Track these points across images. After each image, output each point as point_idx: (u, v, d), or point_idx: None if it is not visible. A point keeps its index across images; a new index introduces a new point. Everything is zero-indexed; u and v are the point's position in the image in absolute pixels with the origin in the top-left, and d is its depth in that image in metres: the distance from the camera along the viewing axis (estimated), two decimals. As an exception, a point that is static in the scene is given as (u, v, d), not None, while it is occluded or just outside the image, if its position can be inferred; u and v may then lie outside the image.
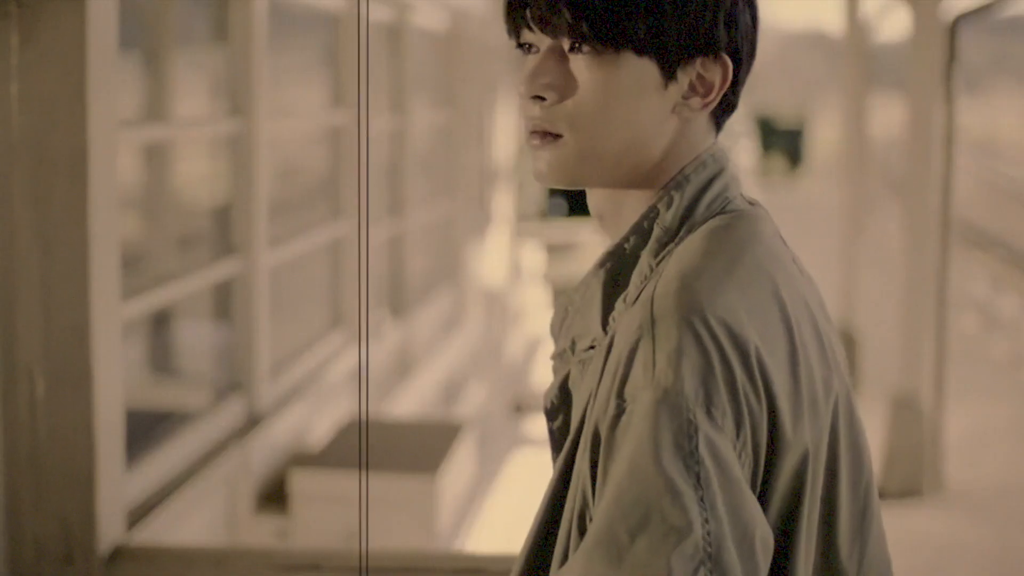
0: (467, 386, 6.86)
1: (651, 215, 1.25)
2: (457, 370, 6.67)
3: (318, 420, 4.23)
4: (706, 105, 1.23)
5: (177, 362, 3.99)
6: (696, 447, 1.07)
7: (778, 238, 1.27)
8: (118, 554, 2.47)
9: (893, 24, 8.83)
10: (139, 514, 2.84)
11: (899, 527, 6.43)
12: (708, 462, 1.07)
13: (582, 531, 1.15)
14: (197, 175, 4.10)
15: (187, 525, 3.13)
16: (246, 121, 3.69)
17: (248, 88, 3.68)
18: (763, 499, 1.12)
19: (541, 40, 1.23)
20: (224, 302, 3.81)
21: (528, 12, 1.22)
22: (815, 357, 1.18)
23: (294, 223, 4.50)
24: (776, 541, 1.12)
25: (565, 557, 1.17)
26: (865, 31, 9.38)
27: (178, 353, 3.95)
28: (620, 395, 1.11)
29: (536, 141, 1.24)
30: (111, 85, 2.42)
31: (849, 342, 9.19)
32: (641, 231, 1.25)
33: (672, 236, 1.23)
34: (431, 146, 6.62)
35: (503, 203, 8.57)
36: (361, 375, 4.26)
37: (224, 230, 3.78)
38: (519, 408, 7.99)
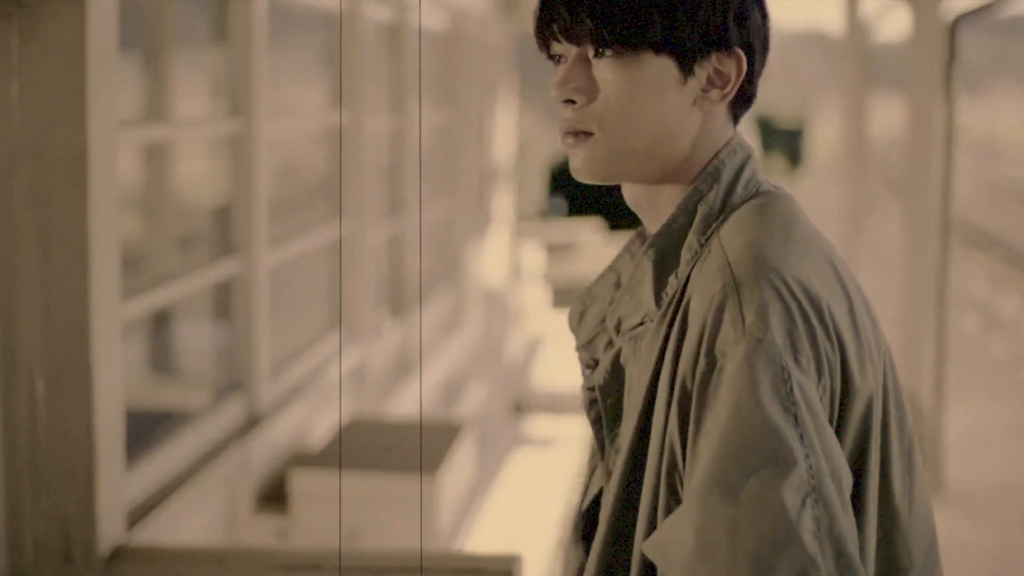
0: (467, 386, 6.85)
1: (695, 197, 1.35)
2: (457, 370, 6.67)
3: (318, 420, 4.23)
4: (724, 97, 1.34)
5: (177, 362, 3.99)
6: (791, 390, 1.17)
7: (809, 221, 1.37)
8: (118, 554, 2.47)
9: (893, 24, 8.84)
10: (139, 514, 2.84)
11: (899, 527, 6.42)
12: (802, 404, 1.17)
13: (671, 486, 1.24)
14: (197, 175, 4.10)
15: (187, 525, 3.13)
16: (246, 121, 3.69)
17: (248, 88, 3.68)
18: (840, 439, 1.23)
19: (568, 50, 1.35)
20: (224, 302, 3.81)
21: (555, 25, 1.34)
22: (866, 319, 1.30)
23: (294, 223, 4.50)
24: (853, 469, 1.24)
25: (653, 513, 1.26)
26: (865, 31, 9.38)
27: (178, 353, 3.95)
28: (710, 352, 1.21)
29: (571, 140, 1.35)
30: (111, 85, 2.42)
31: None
32: (687, 212, 1.35)
33: (716, 215, 1.34)
34: (431, 146, 6.62)
35: (503, 203, 8.57)
36: (342, 379, 4.26)
37: (224, 230, 3.78)
38: (519, 408, 7.99)
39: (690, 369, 1.22)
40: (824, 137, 33.89)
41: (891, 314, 7.41)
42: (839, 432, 1.23)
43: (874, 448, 1.27)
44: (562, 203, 18.16)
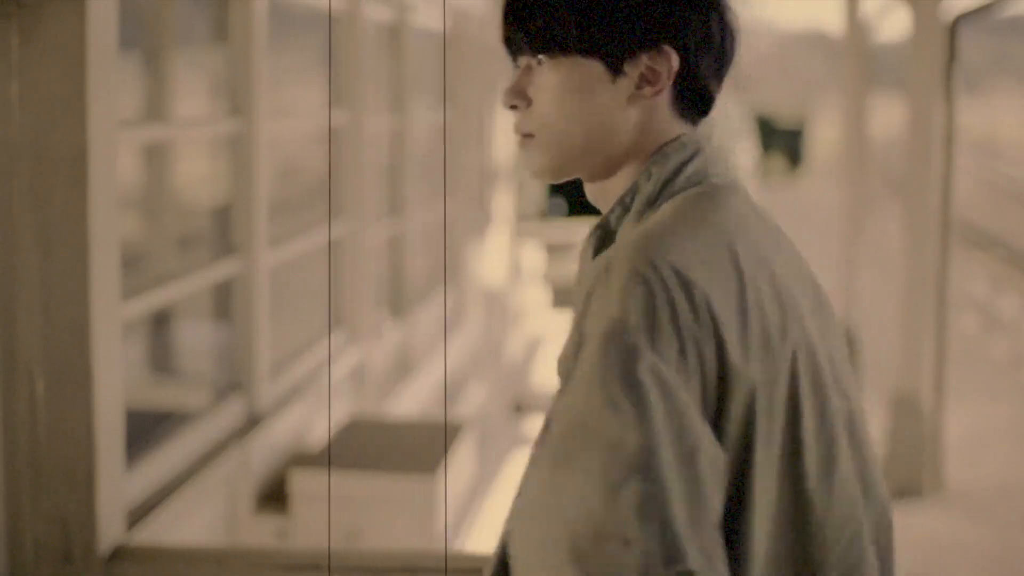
0: (467, 386, 6.85)
1: (633, 189, 1.41)
2: (457, 370, 6.67)
3: (318, 420, 4.23)
4: (656, 94, 1.39)
5: (177, 362, 3.99)
6: (638, 371, 1.21)
7: (753, 213, 1.40)
8: (118, 554, 2.47)
9: (893, 24, 8.84)
10: (139, 514, 2.84)
11: (899, 527, 6.42)
12: (649, 384, 1.21)
13: None
14: (197, 175, 4.10)
15: (187, 525, 3.13)
16: (246, 121, 3.69)
17: (248, 88, 3.68)
18: (719, 424, 1.25)
19: (522, 60, 1.43)
20: (224, 302, 3.81)
21: (503, 39, 1.44)
22: (770, 307, 1.30)
23: (294, 223, 4.50)
24: (736, 462, 1.26)
25: None
26: (865, 31, 9.38)
27: (178, 353, 3.95)
28: (579, 332, 1.27)
29: (520, 142, 1.44)
30: (111, 85, 2.42)
31: (849, 342, 9.19)
32: (624, 204, 1.41)
33: (651, 204, 1.39)
34: (431, 146, 6.62)
35: (503, 203, 8.57)
36: (330, 381, 4.26)
37: (224, 230, 3.78)
38: (519, 408, 7.99)
39: (565, 350, 1.30)
40: (824, 137, 33.88)
41: (891, 314, 7.41)
42: (721, 415, 1.25)
43: (766, 436, 1.28)
44: (562, 203, 18.16)
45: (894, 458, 6.83)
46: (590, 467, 1.19)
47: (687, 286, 1.25)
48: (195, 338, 4.01)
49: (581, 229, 12.70)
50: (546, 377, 8.30)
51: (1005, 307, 12.44)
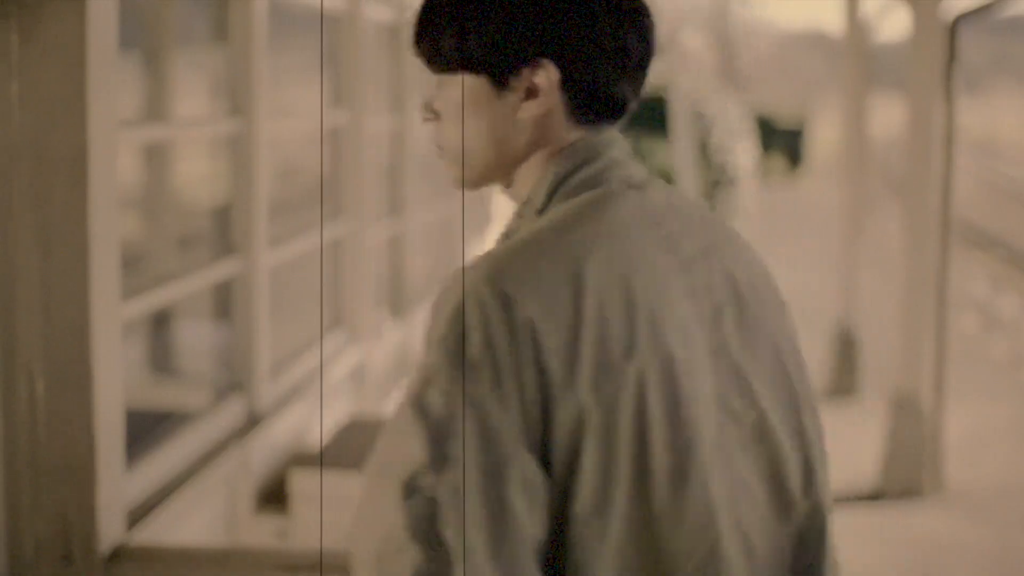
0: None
1: (525, 203, 1.46)
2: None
3: (318, 420, 4.23)
4: (544, 106, 1.42)
5: (177, 362, 3.99)
6: (427, 393, 1.28)
7: (647, 219, 1.40)
8: (118, 554, 2.47)
9: (893, 24, 8.86)
10: (139, 514, 2.84)
11: (899, 527, 6.43)
12: (454, 403, 1.26)
13: None
14: (197, 175, 4.10)
15: (187, 525, 3.13)
16: (246, 121, 3.69)
17: (248, 88, 3.68)
18: (547, 441, 1.28)
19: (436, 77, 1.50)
20: (224, 302, 3.81)
21: None
22: (616, 327, 1.31)
23: (294, 223, 4.50)
24: (562, 480, 1.28)
25: None
26: (865, 31, 9.38)
27: (178, 353, 3.95)
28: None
29: (438, 153, 1.51)
30: (111, 85, 2.42)
31: (849, 342, 9.19)
32: (517, 216, 1.46)
33: (540, 213, 1.43)
34: (431, 146, 6.62)
35: (503, 203, 8.57)
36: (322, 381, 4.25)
37: (224, 230, 3.78)
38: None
39: None
40: (824, 137, 33.86)
41: (891, 314, 7.41)
42: (547, 440, 1.28)
43: (600, 456, 1.29)
44: (562, 203, 18.14)
45: (894, 458, 6.83)
46: (383, 483, 1.27)
47: (509, 311, 1.28)
48: (195, 338, 4.01)
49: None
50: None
51: (1005, 307, 12.44)
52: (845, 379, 9.21)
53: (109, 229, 2.42)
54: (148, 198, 3.70)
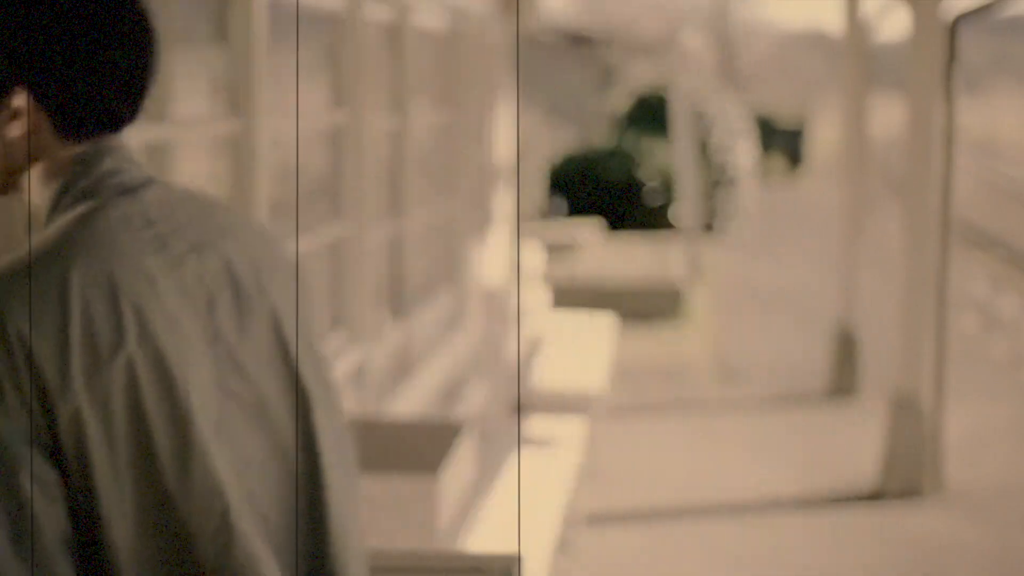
0: (467, 386, 6.85)
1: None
2: (457, 370, 6.67)
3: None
4: (23, 127, 1.51)
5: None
6: None
7: (124, 226, 1.50)
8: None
9: (893, 24, 8.85)
10: (139, 514, 2.83)
11: (899, 527, 6.43)
12: None
13: None
14: (197, 175, 4.10)
15: (187, 525, 3.12)
16: (246, 121, 3.69)
17: (248, 88, 3.68)
18: (56, 443, 1.39)
19: None
20: (224, 302, 3.81)
21: None
22: (102, 326, 1.42)
23: (294, 223, 4.50)
24: (79, 477, 1.40)
25: None
26: (865, 31, 9.38)
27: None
28: None
29: None
30: (111, 85, 2.41)
31: (849, 342, 9.19)
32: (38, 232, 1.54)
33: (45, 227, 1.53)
34: (431, 146, 6.62)
35: (503, 203, 8.58)
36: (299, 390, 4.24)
37: (224, 230, 3.77)
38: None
39: None
40: (824, 137, 33.85)
41: (891, 314, 7.41)
42: (55, 443, 1.39)
43: (103, 444, 1.40)
44: (562, 203, 18.15)
45: (894, 458, 6.83)
46: None
47: (1, 326, 1.39)
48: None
49: (581, 229, 12.69)
50: (546, 377, 8.30)
51: (1005, 307, 12.45)
52: (845, 379, 9.21)
53: (109, 229, 2.42)
54: (148, 198, 3.70)
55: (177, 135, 3.66)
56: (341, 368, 4.58)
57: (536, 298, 9.89)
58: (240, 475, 1.48)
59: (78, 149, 1.54)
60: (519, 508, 4.39)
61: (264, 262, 1.60)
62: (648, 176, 17.91)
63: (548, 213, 17.38)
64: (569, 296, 11.53)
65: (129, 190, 1.53)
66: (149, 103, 1.65)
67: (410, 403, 5.48)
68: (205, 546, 1.44)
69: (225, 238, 1.57)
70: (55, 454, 1.39)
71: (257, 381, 1.53)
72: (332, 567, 1.58)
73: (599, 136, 20.14)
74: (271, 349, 1.55)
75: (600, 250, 14.72)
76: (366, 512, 3.57)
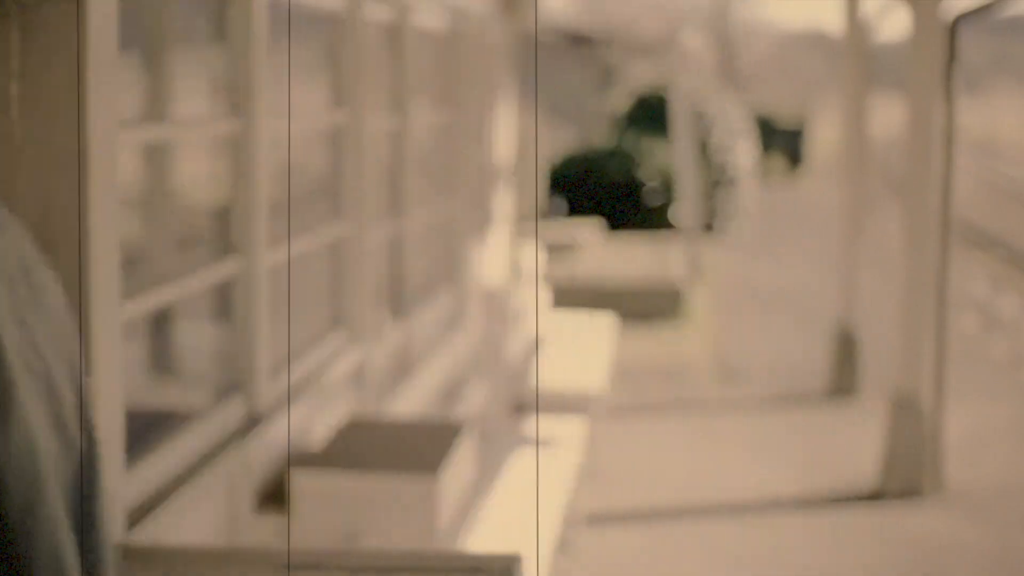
0: (467, 386, 6.85)
1: None
2: (457, 370, 6.67)
3: (318, 420, 4.24)
4: None
5: (177, 362, 3.99)
6: None
7: None
8: (118, 554, 2.47)
9: (893, 24, 8.87)
10: (139, 514, 2.84)
11: (899, 527, 6.43)
12: None
13: None
14: (197, 175, 4.10)
15: (187, 525, 3.13)
16: (246, 121, 3.69)
17: (248, 88, 3.68)
18: None
19: None
20: (224, 302, 3.81)
21: None
22: None
23: (294, 223, 4.50)
24: None
25: None
26: (865, 31, 9.38)
27: (178, 353, 3.95)
28: None
29: None
30: (111, 85, 2.42)
31: (849, 342, 9.19)
32: None
33: None
34: (431, 146, 6.62)
35: (503, 203, 8.57)
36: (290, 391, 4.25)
37: (224, 230, 3.78)
38: (519, 408, 7.99)
39: None
40: (824, 137, 33.84)
41: (891, 314, 7.41)
42: None
43: None
44: (562, 203, 18.15)
45: (894, 458, 6.83)
46: None
47: None
48: (195, 338, 4.01)
49: (581, 229, 12.65)
50: (546, 377, 8.30)
51: (1005, 307, 12.45)
52: (845, 379, 9.21)
53: (109, 229, 2.42)
54: (148, 198, 3.70)
55: (177, 135, 3.66)
56: (341, 368, 4.58)
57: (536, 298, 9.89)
58: (47, 434, 1.62)
59: None
60: (537, 507, 4.40)
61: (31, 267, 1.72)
62: (648, 176, 17.91)
63: (548, 213, 17.37)
64: (569, 296, 11.54)
65: None
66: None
67: (410, 403, 5.48)
68: (14, 500, 1.52)
69: (5, 229, 1.68)
70: None
71: (48, 361, 1.66)
72: (100, 527, 1.71)
73: (599, 136, 20.14)
74: (57, 324, 1.71)
75: (600, 250, 14.72)
76: (366, 512, 3.57)
